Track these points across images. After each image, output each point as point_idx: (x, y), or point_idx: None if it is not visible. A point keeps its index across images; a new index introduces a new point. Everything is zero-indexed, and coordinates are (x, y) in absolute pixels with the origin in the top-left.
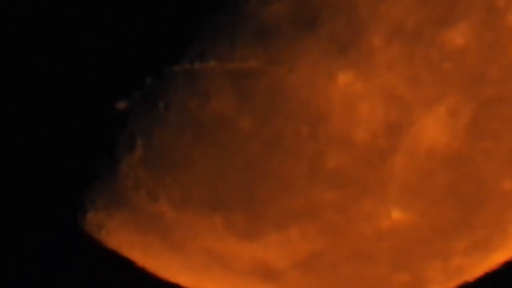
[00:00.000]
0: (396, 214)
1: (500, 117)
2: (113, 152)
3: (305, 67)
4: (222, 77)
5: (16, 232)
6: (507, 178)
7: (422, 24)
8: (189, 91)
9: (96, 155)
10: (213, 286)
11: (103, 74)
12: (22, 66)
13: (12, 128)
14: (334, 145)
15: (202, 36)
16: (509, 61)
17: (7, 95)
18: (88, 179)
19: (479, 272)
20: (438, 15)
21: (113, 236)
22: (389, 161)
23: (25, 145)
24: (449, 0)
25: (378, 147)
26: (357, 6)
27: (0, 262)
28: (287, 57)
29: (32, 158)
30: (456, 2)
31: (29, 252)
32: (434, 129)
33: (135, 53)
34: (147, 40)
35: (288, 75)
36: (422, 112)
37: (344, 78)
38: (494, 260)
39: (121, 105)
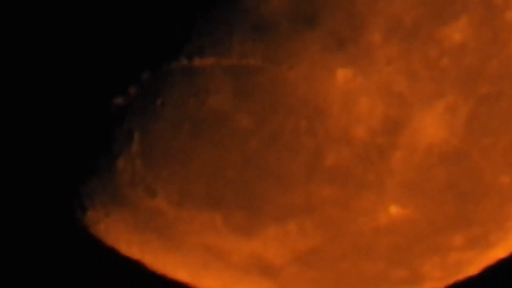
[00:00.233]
0: (395, 210)
1: (498, 113)
2: (110, 148)
3: (303, 64)
4: (220, 73)
5: (14, 230)
6: (505, 174)
7: (421, 20)
8: (187, 87)
9: (94, 151)
10: (212, 282)
11: (101, 70)
12: (18, 62)
13: (9, 125)
14: (332, 141)
15: (200, 32)
16: (508, 58)
17: (3, 91)
18: (85, 176)
19: (477, 268)
20: (437, 11)
21: (111, 232)
22: (387, 157)
23: (23, 142)
24: None
25: (377, 143)
26: (356, 2)
27: None
28: (285, 54)
29: (29, 154)
30: None
31: (27, 249)
32: (432, 125)
33: (133, 49)
34: (145, 36)
35: (286, 72)
36: (420, 108)
37: (343, 74)
38: (492, 256)
39: (119, 101)
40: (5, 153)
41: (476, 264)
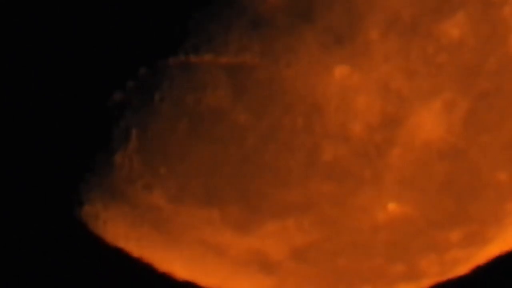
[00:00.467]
0: (392, 207)
1: (496, 109)
2: (108, 144)
3: (301, 60)
4: (218, 70)
5: (12, 225)
6: (503, 171)
7: (418, 16)
8: (184, 83)
9: (91, 147)
10: (209, 277)
11: (98, 66)
12: (16, 59)
13: (7, 121)
14: (330, 137)
15: (197, 28)
16: (505, 54)
17: (0, 87)
18: (83, 171)
19: (474, 264)
20: (434, 7)
21: (109, 228)
22: (385, 154)
23: (20, 138)
24: None
25: (374, 140)
26: None
27: None
28: (283, 50)
29: (27, 150)
30: None
31: (25, 245)
32: (430, 122)
33: (131, 45)
34: (143, 32)
35: (284, 68)
36: (418, 105)
37: (340, 71)
38: (490, 252)
39: (116, 96)
40: (3, 148)
41: (473, 260)
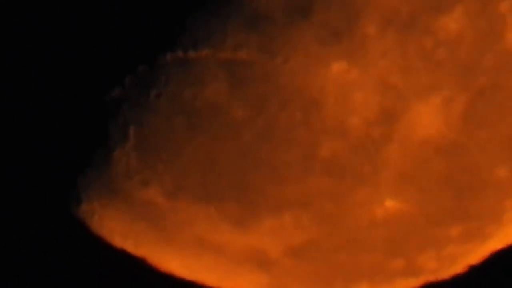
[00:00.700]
0: (390, 203)
1: (494, 105)
2: (106, 141)
3: (298, 55)
4: (215, 65)
5: (10, 222)
6: (502, 166)
7: (416, 11)
8: (182, 79)
9: (89, 144)
10: (206, 273)
11: (96, 62)
12: (14, 55)
13: (4, 117)
14: (328, 133)
15: (195, 24)
16: (503, 50)
17: None
18: (81, 168)
19: (473, 260)
20: (432, 2)
21: (106, 224)
22: (383, 150)
23: (18, 134)
24: None
25: (372, 136)
26: None
27: None
28: (280, 45)
29: (25, 146)
30: None
31: (23, 241)
32: (428, 117)
33: (129, 41)
34: (141, 28)
35: (281, 64)
36: (416, 100)
37: (338, 66)
38: (488, 248)
39: (114, 93)
40: (0, 145)
41: (472, 256)
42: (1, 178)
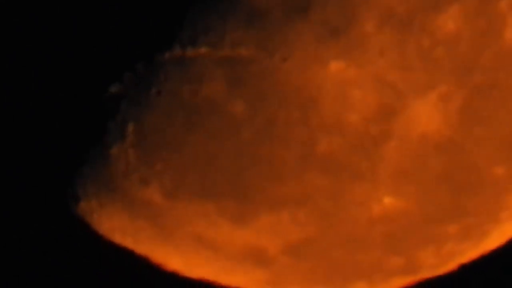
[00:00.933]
0: (388, 200)
1: (493, 103)
2: (104, 138)
3: (296, 53)
4: (214, 63)
5: (8, 221)
6: (500, 164)
7: (414, 9)
8: (180, 77)
9: (88, 141)
10: (205, 271)
11: (95, 59)
12: (12, 52)
13: (1, 115)
14: (326, 130)
15: (193, 22)
16: (501, 48)
17: None
18: (79, 165)
19: (471, 257)
20: (429, 1)
21: (104, 222)
22: (381, 147)
23: (15, 131)
24: None
25: (370, 133)
26: None
27: None
28: (278, 43)
29: (22, 144)
30: None
31: (21, 239)
32: (426, 115)
33: (127, 38)
34: (139, 25)
35: (279, 62)
36: (414, 98)
37: (336, 64)
38: (487, 245)
39: (113, 89)
40: None
41: (470, 253)
42: None
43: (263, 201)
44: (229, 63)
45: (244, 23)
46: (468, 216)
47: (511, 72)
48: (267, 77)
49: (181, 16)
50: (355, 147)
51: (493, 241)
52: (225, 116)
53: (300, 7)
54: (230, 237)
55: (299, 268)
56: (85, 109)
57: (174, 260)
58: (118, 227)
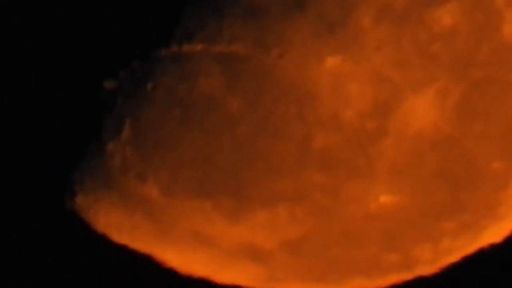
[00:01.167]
0: (385, 196)
1: (490, 98)
2: (101, 134)
3: (294, 49)
4: (210, 59)
5: (4, 217)
6: (497, 160)
7: (411, 4)
8: (177, 72)
9: (84, 137)
10: (201, 267)
11: (92, 56)
12: (8, 50)
13: None
14: (322, 126)
15: (190, 18)
16: (499, 43)
17: None
18: (76, 161)
19: (468, 253)
20: None
21: (101, 218)
22: (378, 143)
23: (12, 127)
24: None
25: (367, 129)
26: None
27: None
28: (275, 38)
29: (19, 140)
30: None
31: (19, 235)
32: (423, 111)
33: (124, 35)
34: (135, 21)
35: (276, 57)
36: (411, 94)
37: (332, 59)
38: (483, 241)
39: (109, 85)
40: None
41: (467, 249)
42: None
43: (260, 197)
44: (225, 59)
45: (240, 19)
46: (465, 212)
47: (509, 67)
48: (263, 73)
49: (178, 12)
50: (352, 143)
51: (490, 237)
52: (222, 112)
53: (297, 2)
54: (227, 234)
55: (295, 264)
56: (81, 105)
57: (171, 256)
58: (114, 223)
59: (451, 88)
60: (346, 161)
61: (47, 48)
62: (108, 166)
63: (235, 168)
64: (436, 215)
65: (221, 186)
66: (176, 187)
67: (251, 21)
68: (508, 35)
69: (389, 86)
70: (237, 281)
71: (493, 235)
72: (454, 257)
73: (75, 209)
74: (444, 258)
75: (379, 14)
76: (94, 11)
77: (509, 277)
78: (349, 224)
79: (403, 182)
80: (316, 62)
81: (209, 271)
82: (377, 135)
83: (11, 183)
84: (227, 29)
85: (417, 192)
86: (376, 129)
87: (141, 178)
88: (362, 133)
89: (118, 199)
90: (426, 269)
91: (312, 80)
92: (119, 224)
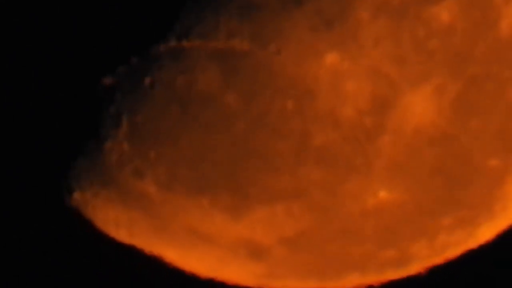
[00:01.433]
0: (382, 193)
1: (487, 94)
2: (98, 130)
3: (291, 45)
4: (208, 55)
5: (1, 212)
6: (494, 156)
7: (408, 0)
8: (174, 68)
9: (82, 133)
10: (199, 263)
11: (90, 52)
12: (4, 45)
13: None
14: (320, 122)
15: (187, 13)
16: (496, 40)
17: None
18: (74, 157)
19: (464, 249)
20: None
21: (99, 213)
22: (375, 139)
23: (9, 124)
24: None
25: (365, 125)
26: None
27: None
28: (273, 34)
29: (16, 136)
30: None
31: (17, 232)
32: (421, 107)
33: (122, 30)
34: (134, 17)
35: (274, 54)
36: (408, 90)
37: (330, 56)
38: (480, 237)
39: (107, 81)
40: None
41: (463, 245)
42: None
43: (258, 194)
44: (223, 54)
45: (238, 14)
46: (462, 208)
47: (506, 63)
48: (261, 69)
49: (176, 8)
50: (350, 139)
51: (486, 233)
52: (219, 108)
53: None
54: (224, 230)
55: (293, 260)
56: (79, 101)
57: (169, 252)
58: (112, 218)
59: (449, 84)
60: (344, 158)
61: (45, 44)
62: (106, 162)
63: (232, 164)
64: (432, 211)
65: (219, 182)
66: (173, 183)
67: (248, 17)
68: (505, 32)
69: (387, 82)
70: (235, 277)
71: (489, 231)
72: (450, 254)
73: (73, 205)
74: (440, 254)
75: (377, 10)
76: (93, 6)
77: (503, 274)
78: (346, 220)
79: (400, 178)
80: (313, 58)
81: (206, 267)
82: (375, 132)
83: (8, 179)
84: (224, 24)
85: (414, 189)
86: (374, 125)
87: (138, 174)
88: (360, 129)
89: (116, 195)
90: (423, 265)
91: (309, 76)
92: (117, 220)
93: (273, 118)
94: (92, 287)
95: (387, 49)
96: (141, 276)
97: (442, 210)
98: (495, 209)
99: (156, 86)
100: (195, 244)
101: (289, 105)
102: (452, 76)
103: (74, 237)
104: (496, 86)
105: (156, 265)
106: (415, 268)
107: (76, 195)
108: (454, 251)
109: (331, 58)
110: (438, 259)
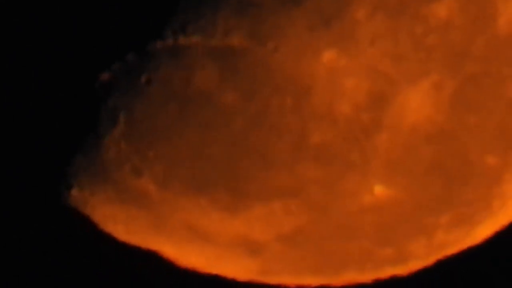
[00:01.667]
0: (380, 190)
1: (485, 91)
2: (96, 127)
3: (289, 42)
4: (205, 52)
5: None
6: (492, 153)
7: None
8: (172, 66)
9: (79, 131)
10: (197, 259)
11: (87, 49)
12: (3, 43)
13: None
14: (318, 120)
15: (185, 10)
16: (494, 36)
17: None
18: (72, 155)
19: (462, 247)
20: None
21: (97, 211)
22: (373, 137)
23: (6, 122)
24: None
25: (362, 123)
26: None
27: None
28: (271, 31)
29: (14, 134)
30: None
31: (15, 229)
32: (418, 104)
33: (119, 27)
34: (131, 14)
35: (272, 51)
36: (406, 87)
37: (328, 53)
38: (478, 235)
39: (104, 78)
40: None
41: (461, 243)
42: None
43: (256, 191)
44: (221, 52)
45: (236, 11)
46: (459, 206)
47: (503, 60)
48: (259, 66)
49: (173, 5)
50: (347, 137)
51: (484, 231)
52: (217, 105)
53: None
54: (222, 227)
55: (290, 257)
56: (77, 99)
57: (167, 248)
58: (110, 216)
59: (446, 81)
60: (341, 155)
61: (41, 41)
62: (104, 159)
63: (230, 162)
64: (430, 209)
65: (217, 180)
66: (171, 181)
67: (246, 14)
68: (503, 28)
69: (384, 79)
70: (232, 274)
71: (487, 229)
72: (448, 252)
73: (71, 202)
74: (438, 252)
75: (374, 8)
76: (89, 3)
77: (501, 272)
78: (343, 217)
79: (397, 175)
80: (311, 56)
81: (204, 263)
82: (372, 129)
83: (6, 177)
84: (222, 21)
85: (411, 186)
86: (371, 123)
87: (136, 172)
88: (357, 126)
89: (113, 192)
90: (420, 263)
91: (308, 73)
92: (115, 217)
93: (271, 116)
94: (91, 284)
95: (385, 46)
96: (139, 274)
97: (440, 208)
98: (494, 207)
99: (153, 83)
100: (193, 241)
101: (287, 102)
102: (450, 73)
103: (72, 234)
104: (494, 83)
105: (154, 262)
106: (413, 266)
107: (74, 193)
108: (452, 249)
109: (329, 55)
110: (436, 257)
